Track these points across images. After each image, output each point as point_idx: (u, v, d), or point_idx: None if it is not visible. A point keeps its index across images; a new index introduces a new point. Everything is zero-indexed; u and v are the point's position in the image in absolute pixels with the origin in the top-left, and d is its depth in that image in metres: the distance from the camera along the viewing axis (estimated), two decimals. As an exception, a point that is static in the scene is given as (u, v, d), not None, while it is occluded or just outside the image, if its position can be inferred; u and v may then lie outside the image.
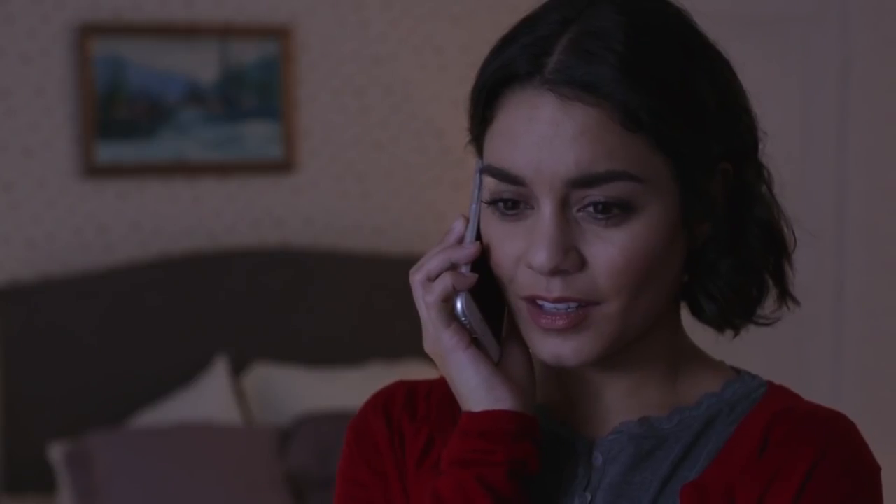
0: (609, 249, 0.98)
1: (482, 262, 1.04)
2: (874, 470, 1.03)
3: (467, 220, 1.06)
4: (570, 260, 0.98)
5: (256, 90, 4.20)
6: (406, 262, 4.72)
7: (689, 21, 1.03)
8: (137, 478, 3.49)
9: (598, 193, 0.97)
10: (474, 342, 1.04)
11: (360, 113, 4.36)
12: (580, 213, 0.98)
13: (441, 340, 1.04)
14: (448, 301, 1.03)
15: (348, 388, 3.92)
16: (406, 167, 4.41)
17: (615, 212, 0.98)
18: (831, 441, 1.01)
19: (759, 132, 1.06)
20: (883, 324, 4.60)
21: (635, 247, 0.98)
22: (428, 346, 1.05)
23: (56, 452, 3.66)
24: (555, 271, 0.98)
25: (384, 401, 1.14)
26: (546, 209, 0.98)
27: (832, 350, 4.64)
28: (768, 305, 1.08)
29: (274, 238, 4.25)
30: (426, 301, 1.04)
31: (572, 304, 0.99)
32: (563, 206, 0.98)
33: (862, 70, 4.54)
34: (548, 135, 0.97)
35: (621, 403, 1.07)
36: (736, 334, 1.09)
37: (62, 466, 3.61)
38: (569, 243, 0.98)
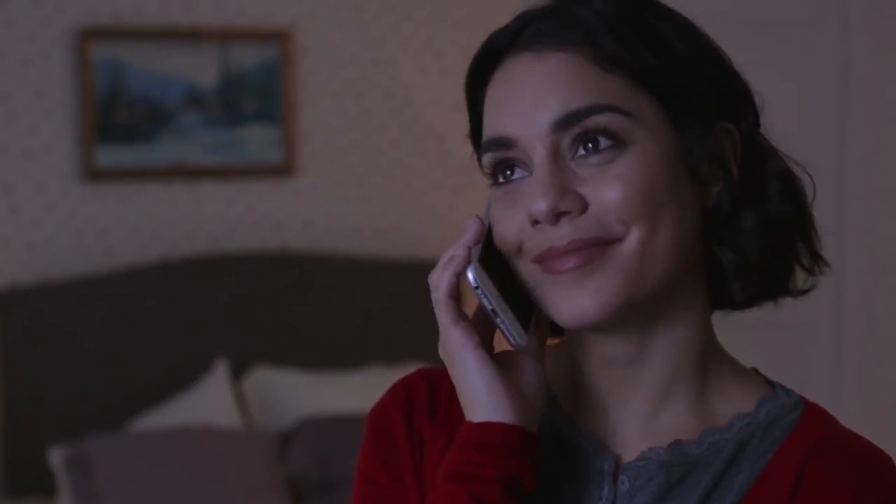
0: (608, 183, 0.96)
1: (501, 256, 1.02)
2: None
3: (481, 220, 1.03)
4: (569, 201, 0.96)
5: (256, 94, 4.20)
6: (406, 266, 4.74)
7: (672, 8, 1.04)
8: (137, 481, 3.49)
9: (586, 132, 0.97)
10: (494, 319, 0.99)
11: (360, 117, 4.36)
12: (573, 161, 0.98)
13: (450, 339, 1.01)
14: (455, 298, 1.00)
15: (348, 392, 3.91)
16: (406, 171, 4.41)
17: (605, 144, 0.97)
18: (867, 482, 0.99)
19: (755, 95, 1.05)
20: (883, 326, 4.60)
21: (632, 177, 0.96)
22: (440, 348, 1.02)
23: (56, 456, 3.66)
24: (555, 213, 0.96)
25: (405, 398, 1.10)
26: (539, 159, 0.97)
27: (832, 353, 4.64)
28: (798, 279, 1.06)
29: (274, 242, 4.25)
30: (435, 298, 1.01)
31: (586, 249, 0.97)
32: (556, 155, 0.98)
33: (862, 73, 4.54)
34: (526, 88, 0.98)
35: (651, 415, 1.04)
36: (757, 304, 1.05)
37: (62, 470, 3.60)
38: (566, 185, 0.97)
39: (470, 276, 0.98)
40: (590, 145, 0.97)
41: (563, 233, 0.96)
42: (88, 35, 3.96)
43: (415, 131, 4.41)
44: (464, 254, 0.99)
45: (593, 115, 0.96)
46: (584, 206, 0.96)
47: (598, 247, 0.96)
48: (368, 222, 4.37)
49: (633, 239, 0.96)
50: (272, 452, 3.65)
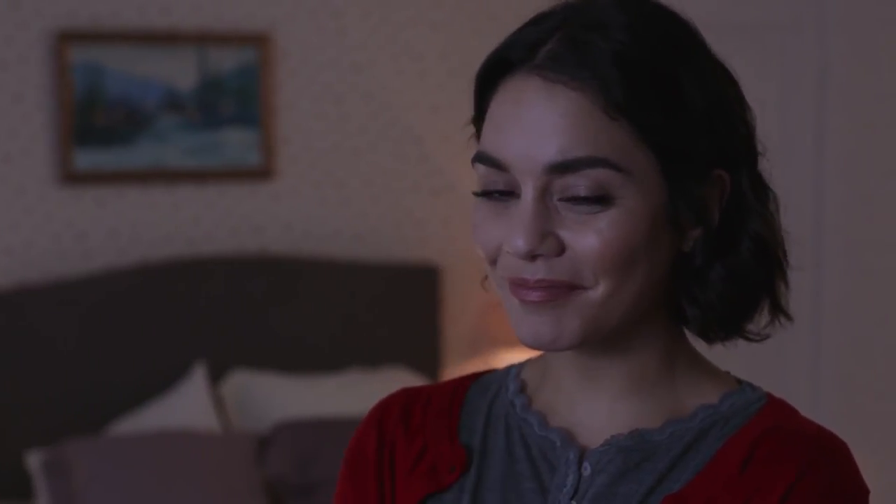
0: (587, 235, 0.99)
1: None
2: (861, 492, 1.02)
3: None
4: (547, 245, 1.00)
5: (235, 97, 4.19)
6: (385, 269, 4.71)
7: (692, 31, 1.05)
8: (116, 485, 3.48)
9: (578, 182, 0.98)
10: None
11: (338, 120, 4.35)
12: (560, 202, 1.00)
13: None
14: None
15: (327, 396, 3.91)
16: (385, 174, 4.41)
17: (592, 198, 0.99)
18: (814, 461, 1.00)
19: (759, 147, 1.07)
20: (861, 330, 4.62)
21: (613, 234, 0.99)
22: None
23: (34, 460, 3.64)
24: (531, 255, 0.99)
25: (380, 415, 1.16)
26: (527, 196, 1.00)
27: (811, 356, 4.66)
28: (759, 322, 1.08)
29: (253, 245, 4.25)
30: None
31: (553, 289, 1.01)
32: (544, 193, 1.00)
33: (839, 77, 4.56)
34: (531, 119, 0.99)
35: (617, 408, 1.08)
36: (711, 344, 1.09)
37: (40, 474, 3.59)
38: (547, 229, 1.00)
39: None
40: (580, 199, 0.99)
41: (535, 269, 1.00)
42: (66, 38, 3.94)
43: (393, 134, 4.41)
44: None
45: (590, 167, 0.98)
46: (560, 250, 1.00)
47: (564, 288, 1.00)
48: (347, 225, 4.37)
49: (599, 291, 1.01)
50: (251, 456, 3.64)
